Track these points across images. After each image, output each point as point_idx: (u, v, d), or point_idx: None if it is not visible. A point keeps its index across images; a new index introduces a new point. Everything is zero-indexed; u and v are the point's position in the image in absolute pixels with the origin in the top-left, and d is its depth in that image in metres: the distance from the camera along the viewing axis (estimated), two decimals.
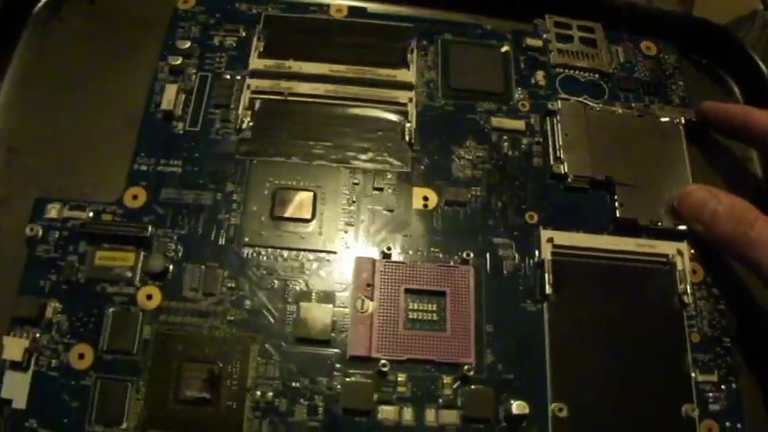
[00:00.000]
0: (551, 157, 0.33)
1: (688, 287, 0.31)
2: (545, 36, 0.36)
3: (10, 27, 0.36)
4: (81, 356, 0.29)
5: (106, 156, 0.33)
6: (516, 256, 0.31)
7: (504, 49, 0.36)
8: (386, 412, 0.28)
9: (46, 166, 0.33)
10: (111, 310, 0.29)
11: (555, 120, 0.33)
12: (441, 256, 0.31)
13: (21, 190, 0.32)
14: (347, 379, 0.28)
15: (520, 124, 0.33)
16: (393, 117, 0.33)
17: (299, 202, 0.31)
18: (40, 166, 0.33)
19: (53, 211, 0.31)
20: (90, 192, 0.32)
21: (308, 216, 0.31)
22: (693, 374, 0.30)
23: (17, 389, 0.29)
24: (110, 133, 0.33)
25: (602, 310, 0.30)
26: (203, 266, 0.30)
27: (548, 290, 0.30)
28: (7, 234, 0.31)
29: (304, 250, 0.30)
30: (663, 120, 0.35)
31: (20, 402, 0.28)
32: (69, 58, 0.35)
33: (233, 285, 0.30)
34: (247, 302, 0.30)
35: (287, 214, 0.31)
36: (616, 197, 0.32)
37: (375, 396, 0.28)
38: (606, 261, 0.31)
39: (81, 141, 0.33)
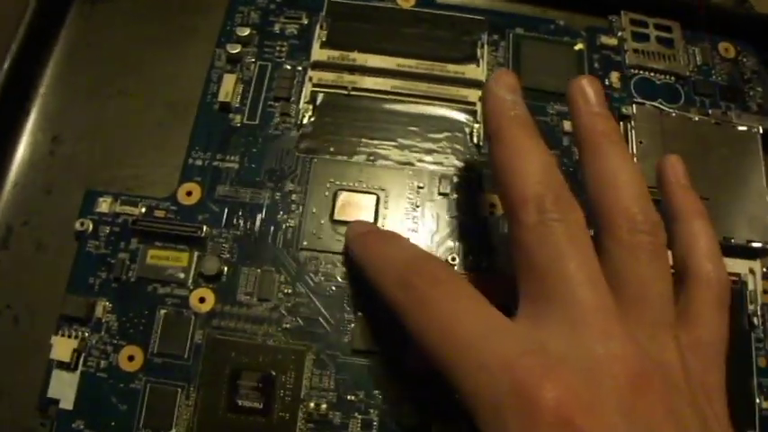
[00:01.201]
0: None
1: (758, 308, 0.29)
2: (620, 34, 0.34)
3: (56, 9, 0.33)
4: (131, 358, 0.27)
5: (156, 147, 0.31)
6: None
7: (578, 46, 0.33)
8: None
9: (91, 156, 0.31)
10: (162, 311, 0.28)
11: (629, 125, 0.31)
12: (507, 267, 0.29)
13: (65, 181, 0.30)
14: (406, 393, 0.27)
15: None
16: (461, 117, 0.31)
17: (361, 206, 0.29)
18: (85, 155, 0.31)
19: (104, 204, 0.29)
20: (137, 185, 0.30)
21: (370, 221, 0.29)
22: (758, 401, 0.28)
23: (64, 389, 0.27)
24: (160, 123, 0.31)
25: None
26: (259, 270, 0.28)
27: None
28: (53, 226, 0.30)
29: None
30: (740, 128, 0.32)
31: (67, 403, 0.27)
32: (118, 43, 0.33)
33: (289, 291, 0.28)
34: (304, 310, 0.28)
35: (348, 218, 0.29)
36: None
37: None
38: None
39: (129, 131, 0.31)
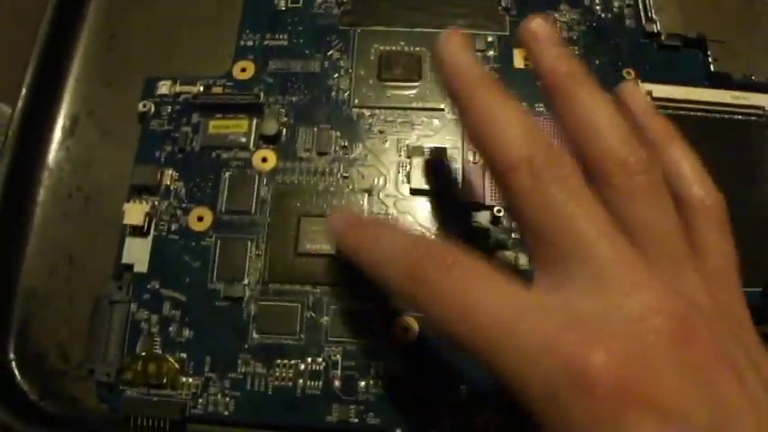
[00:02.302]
0: (643, 17, 0.32)
1: None
2: None
3: None
4: (200, 219, 0.29)
5: (207, 36, 0.32)
6: None
7: None
8: (504, 257, 0.28)
9: (147, 50, 0.33)
10: (227, 174, 0.29)
11: None
12: (545, 111, 0.30)
13: (125, 73, 0.32)
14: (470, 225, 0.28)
15: None
16: None
17: (406, 64, 0.31)
18: (141, 49, 0.33)
19: (164, 87, 0.31)
20: (194, 70, 0.32)
21: (416, 77, 0.30)
22: None
23: (138, 254, 0.28)
24: (208, 15, 0.33)
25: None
26: (315, 128, 0.30)
27: None
28: (116, 115, 0.31)
29: (414, 109, 0.30)
30: None
31: (141, 266, 0.28)
32: None
33: (345, 144, 0.29)
34: (360, 161, 0.29)
35: (394, 76, 0.30)
36: (709, 53, 0.32)
37: (489, 241, 0.28)
38: (702, 114, 0.31)
39: (180, 24, 0.33)
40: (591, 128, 0.20)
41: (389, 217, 0.28)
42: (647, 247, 0.18)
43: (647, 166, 0.19)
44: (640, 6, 0.32)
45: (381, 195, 0.29)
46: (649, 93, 0.30)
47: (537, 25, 0.22)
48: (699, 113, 0.31)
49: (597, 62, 0.31)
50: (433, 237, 0.22)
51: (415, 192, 0.28)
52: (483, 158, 0.20)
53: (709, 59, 0.32)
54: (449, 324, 0.18)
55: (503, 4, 0.32)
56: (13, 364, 0.28)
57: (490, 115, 0.20)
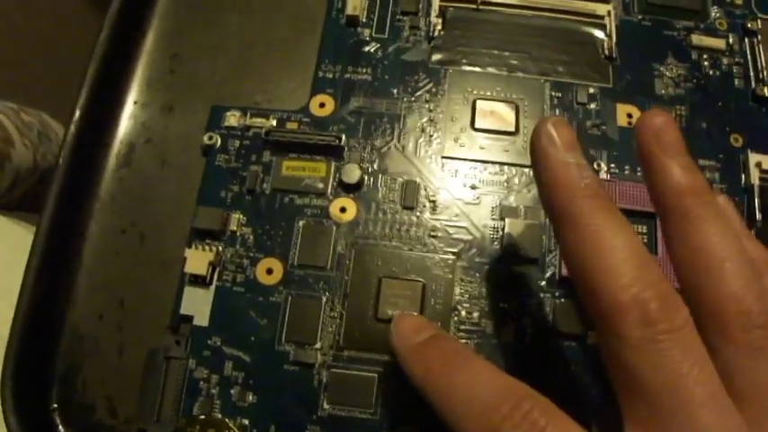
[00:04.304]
0: (753, 78, 0.29)
1: None
2: None
3: None
4: (269, 271, 0.26)
5: (280, 63, 0.29)
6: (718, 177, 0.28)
7: None
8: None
9: (213, 74, 0.29)
10: (301, 222, 0.26)
11: (756, 40, 0.30)
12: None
13: (187, 98, 0.29)
14: (557, 301, 0.25)
15: (720, 43, 0.30)
16: (590, 30, 0.29)
17: (503, 115, 0.27)
18: (207, 73, 0.29)
19: (232, 119, 0.28)
20: (264, 99, 0.28)
21: (512, 129, 0.27)
22: None
23: (198, 305, 0.25)
24: (284, 39, 0.30)
25: None
26: (400, 179, 0.27)
27: (758, 216, 0.27)
28: (176, 144, 0.28)
29: (510, 165, 0.27)
30: None
31: (202, 319, 0.25)
32: None
33: (434, 198, 0.26)
34: (450, 216, 0.26)
35: (490, 126, 0.27)
36: None
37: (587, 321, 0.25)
38: None
39: (252, 47, 0.30)
40: (713, 266, 0.17)
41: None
42: (750, 410, 0.16)
43: None
44: (749, 65, 0.29)
45: (473, 262, 0.26)
46: (759, 164, 0.28)
47: (663, 122, 0.18)
48: None
49: (704, 125, 0.28)
50: (522, 386, 0.18)
51: (508, 258, 0.26)
52: (579, 288, 0.17)
53: None
54: None
55: (606, 51, 0.29)
56: (56, 414, 0.25)
57: (597, 238, 0.17)
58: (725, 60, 0.30)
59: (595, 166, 0.27)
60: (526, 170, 0.27)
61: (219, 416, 0.24)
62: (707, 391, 0.16)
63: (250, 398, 0.24)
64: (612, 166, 0.27)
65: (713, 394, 0.16)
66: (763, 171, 0.28)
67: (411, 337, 0.21)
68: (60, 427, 0.25)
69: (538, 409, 0.17)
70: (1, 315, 0.26)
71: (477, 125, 0.27)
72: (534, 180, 0.19)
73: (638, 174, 0.27)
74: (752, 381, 0.17)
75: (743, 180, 0.28)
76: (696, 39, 0.30)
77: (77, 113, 0.27)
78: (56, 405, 0.25)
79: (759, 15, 0.31)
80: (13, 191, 0.40)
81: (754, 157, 0.28)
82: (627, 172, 0.27)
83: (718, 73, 0.29)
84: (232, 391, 0.24)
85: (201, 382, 0.24)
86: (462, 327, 0.25)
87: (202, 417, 0.24)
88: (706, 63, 0.30)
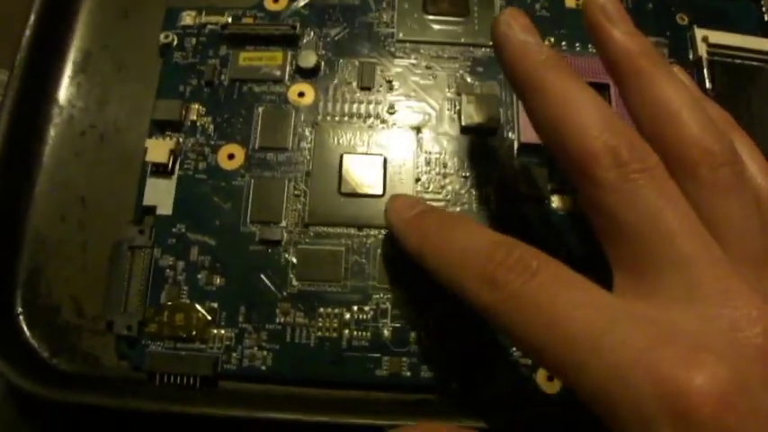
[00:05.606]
0: None
1: None
2: None
3: None
4: (230, 157, 0.25)
5: None
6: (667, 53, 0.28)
7: None
8: (559, 200, 0.25)
9: None
10: (260, 108, 0.26)
11: None
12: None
13: (143, 4, 0.28)
14: (518, 168, 0.25)
15: None
16: None
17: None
18: None
19: (188, 18, 0.28)
20: (220, 0, 0.28)
21: (464, 12, 0.28)
22: None
23: (161, 195, 0.25)
24: None
25: (759, 113, 0.28)
26: (357, 62, 0.27)
27: (707, 85, 0.28)
28: (133, 48, 0.28)
29: (462, 45, 0.27)
30: None
31: (165, 208, 0.25)
32: None
33: (390, 79, 0.27)
34: (411, 94, 0.26)
35: (441, 10, 0.28)
36: (762, 2, 0.30)
37: (549, 186, 0.25)
38: (759, 63, 0.29)
39: None
40: (671, 113, 0.18)
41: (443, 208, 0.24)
42: (729, 246, 0.17)
43: (733, 156, 0.17)
44: None
45: (434, 134, 0.26)
46: (705, 39, 0.28)
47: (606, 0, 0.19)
48: (755, 63, 0.29)
49: (650, 6, 0.29)
50: (511, 238, 0.18)
51: (465, 130, 0.26)
52: (553, 150, 0.18)
53: (763, 9, 0.30)
54: (532, 335, 0.16)
55: None
56: (21, 318, 0.24)
57: (565, 99, 0.18)
58: None
59: (547, 42, 0.27)
60: (481, 49, 0.27)
61: (187, 301, 0.24)
62: (685, 224, 0.16)
63: (218, 281, 0.24)
64: (563, 43, 0.28)
65: (692, 226, 0.16)
66: (710, 45, 0.28)
67: (406, 211, 0.22)
68: (27, 331, 0.24)
69: (529, 253, 0.17)
70: None
71: (430, 10, 0.27)
72: (499, 65, 0.20)
73: (591, 50, 0.27)
74: (725, 215, 0.17)
75: (691, 55, 0.28)
76: None
77: (31, 19, 0.27)
78: (20, 310, 0.25)
79: None
80: None
81: (700, 32, 0.29)
82: (578, 49, 0.28)
83: None
84: (199, 276, 0.24)
85: (168, 270, 0.24)
86: (427, 196, 0.25)
87: (169, 303, 0.24)
88: None
